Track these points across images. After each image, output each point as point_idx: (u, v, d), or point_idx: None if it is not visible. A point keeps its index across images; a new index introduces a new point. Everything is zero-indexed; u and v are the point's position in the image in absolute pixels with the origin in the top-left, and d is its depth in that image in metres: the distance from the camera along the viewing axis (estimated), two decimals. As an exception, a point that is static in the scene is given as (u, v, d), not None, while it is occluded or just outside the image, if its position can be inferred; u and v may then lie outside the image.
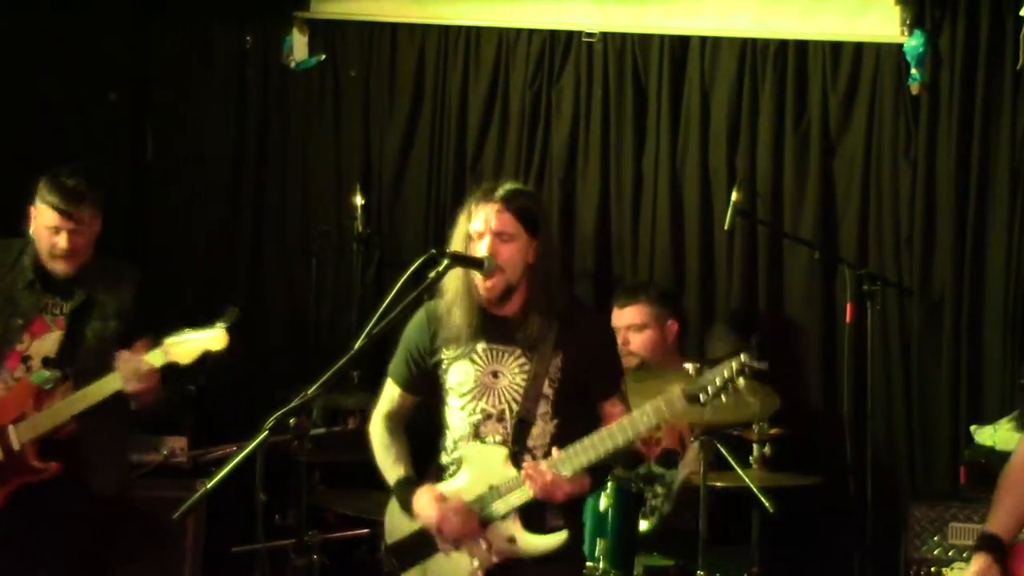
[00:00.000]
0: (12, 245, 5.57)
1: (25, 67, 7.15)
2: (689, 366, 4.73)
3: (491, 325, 4.69)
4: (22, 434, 5.31)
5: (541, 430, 4.63)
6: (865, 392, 6.32)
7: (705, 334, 6.80)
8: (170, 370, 5.31)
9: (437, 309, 4.77)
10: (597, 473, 4.63)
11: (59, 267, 5.45)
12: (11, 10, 6.97)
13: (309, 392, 4.09)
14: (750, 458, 5.70)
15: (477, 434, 4.68)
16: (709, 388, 4.34)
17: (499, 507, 4.59)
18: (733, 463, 5.47)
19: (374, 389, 5.10)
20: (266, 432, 3.95)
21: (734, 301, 6.76)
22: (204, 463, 6.22)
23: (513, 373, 4.65)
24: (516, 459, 4.60)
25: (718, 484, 5.58)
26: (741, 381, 4.34)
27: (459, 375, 4.73)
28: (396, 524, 4.84)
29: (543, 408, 4.63)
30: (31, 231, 5.48)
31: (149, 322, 5.52)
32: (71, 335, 5.49)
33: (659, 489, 5.85)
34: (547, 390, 4.63)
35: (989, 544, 4.29)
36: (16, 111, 7.07)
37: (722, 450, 5.51)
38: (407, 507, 4.73)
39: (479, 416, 4.67)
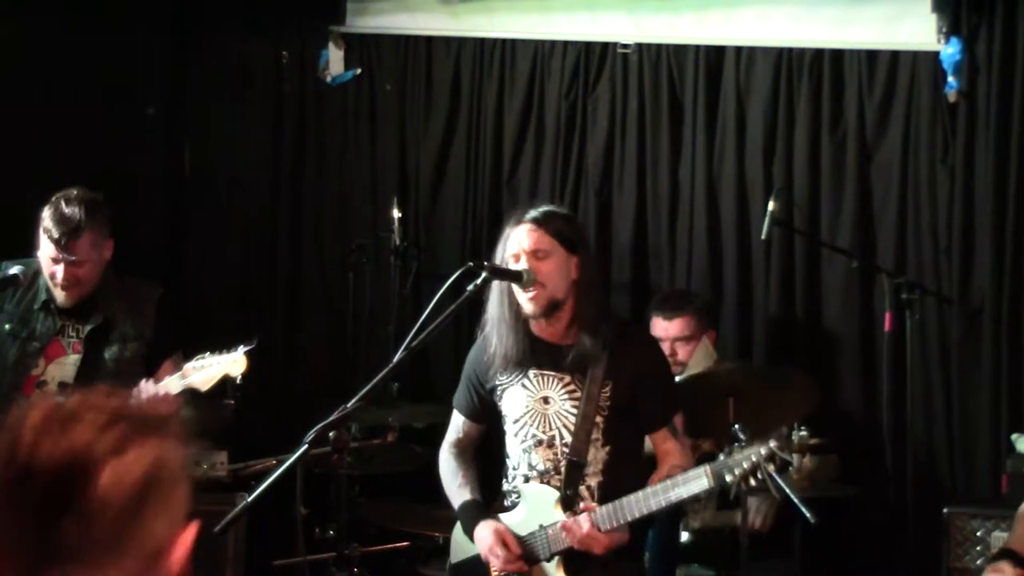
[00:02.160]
0: (31, 264, 5.42)
1: (64, 81, 7.19)
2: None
3: (541, 351, 4.70)
4: None
5: (593, 457, 4.63)
6: (905, 402, 6.28)
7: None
8: (193, 395, 5.17)
9: (488, 333, 4.78)
10: (638, 526, 4.62)
11: (60, 296, 5.34)
12: (50, 24, 7.01)
13: (349, 405, 4.10)
14: (791, 468, 5.67)
15: (529, 460, 4.70)
16: (737, 471, 4.32)
17: (545, 549, 4.62)
18: (773, 474, 5.44)
19: (413, 402, 5.12)
20: (306, 445, 3.96)
21: (772, 311, 6.74)
22: (244, 477, 6.22)
23: (563, 399, 4.66)
24: (567, 502, 4.60)
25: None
26: (771, 467, 4.32)
27: (512, 401, 4.75)
28: (460, 546, 4.89)
29: (594, 435, 4.63)
30: (38, 255, 5.37)
31: (175, 341, 5.48)
32: (88, 359, 5.42)
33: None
34: (597, 417, 4.63)
35: (1009, 555, 4.28)
36: (55, 125, 7.10)
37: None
38: (469, 532, 4.76)
39: (531, 442, 4.69)
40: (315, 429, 4.00)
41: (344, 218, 7.55)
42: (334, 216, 7.57)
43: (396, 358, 4.20)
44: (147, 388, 5.16)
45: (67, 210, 5.21)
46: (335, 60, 7.54)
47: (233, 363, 5.09)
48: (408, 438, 6.38)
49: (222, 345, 5.16)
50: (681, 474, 4.43)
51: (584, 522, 4.48)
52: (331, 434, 4.03)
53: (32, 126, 7.02)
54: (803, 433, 5.62)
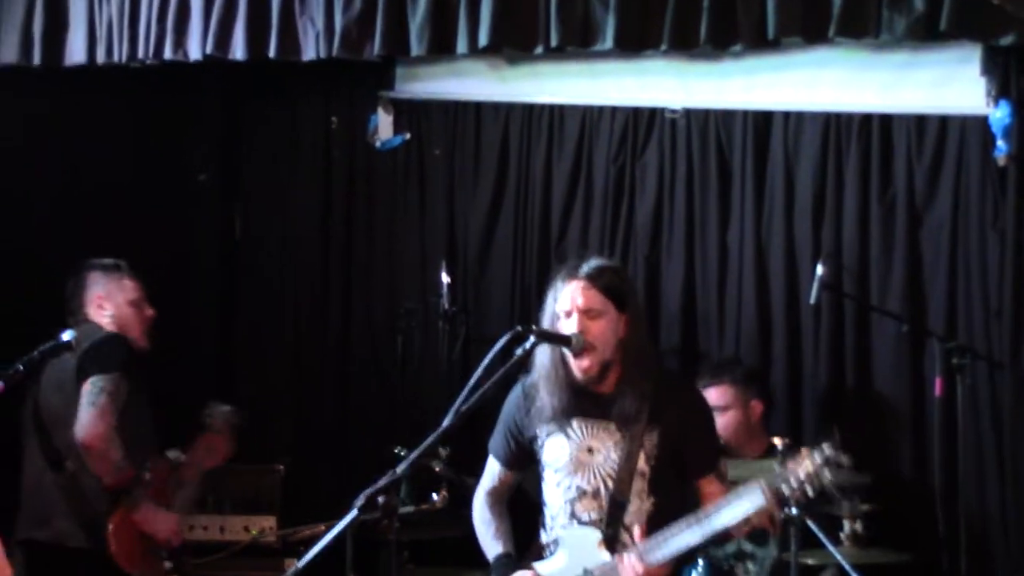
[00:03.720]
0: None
1: (118, 148, 7.28)
2: (778, 440, 4.69)
3: (586, 400, 4.69)
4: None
5: (637, 508, 4.60)
6: (956, 467, 6.24)
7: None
8: None
9: (533, 384, 4.78)
10: (685, 554, 4.59)
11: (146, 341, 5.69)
12: (105, 92, 7.09)
13: (398, 470, 4.11)
14: (841, 535, 5.64)
15: (573, 511, 4.67)
16: (792, 480, 4.27)
17: None
18: (824, 540, 5.41)
19: (463, 467, 5.11)
20: (356, 511, 3.96)
21: (821, 376, 6.70)
22: (293, 542, 6.24)
23: (608, 449, 4.64)
24: (610, 542, 4.57)
25: (810, 561, 5.53)
26: (827, 474, 4.26)
27: (555, 450, 4.73)
28: None
29: (638, 485, 4.61)
30: (115, 313, 5.58)
31: None
32: None
33: (751, 567, 5.80)
34: (643, 467, 4.61)
35: None
36: (109, 193, 7.18)
37: (813, 527, 5.46)
38: None
39: (574, 493, 4.67)
40: (364, 494, 4.00)
41: (393, 282, 7.57)
42: (383, 280, 7.59)
43: (445, 423, 4.21)
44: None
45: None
46: (384, 125, 7.59)
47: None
48: (457, 503, 6.37)
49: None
50: (732, 492, 4.38)
51: (636, 559, 4.44)
52: (380, 499, 4.03)
53: (86, 194, 7.11)
54: (854, 500, 5.59)
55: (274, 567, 6.23)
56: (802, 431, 6.54)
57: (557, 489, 4.73)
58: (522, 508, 5.07)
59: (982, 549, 6.32)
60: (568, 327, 4.61)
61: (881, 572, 5.54)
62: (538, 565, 4.71)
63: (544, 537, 4.79)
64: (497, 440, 4.97)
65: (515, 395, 4.89)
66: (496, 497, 4.99)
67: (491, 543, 4.88)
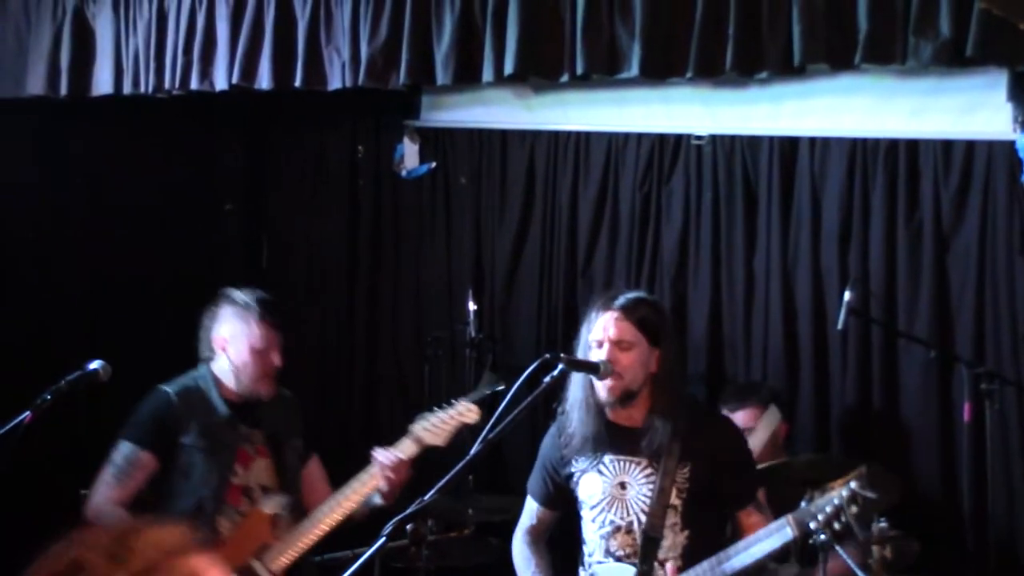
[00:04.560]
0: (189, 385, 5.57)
1: (146, 178, 7.32)
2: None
3: (617, 436, 4.70)
4: (272, 564, 5.27)
5: (671, 542, 4.61)
6: (985, 492, 6.21)
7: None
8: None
9: (567, 417, 4.79)
10: None
11: (265, 389, 5.55)
12: (133, 122, 7.13)
13: (426, 498, 4.11)
14: (869, 561, 5.62)
15: (608, 547, 4.68)
16: (820, 516, 4.28)
17: None
18: (853, 566, 5.39)
19: (491, 494, 5.11)
20: (384, 538, 3.97)
21: (848, 401, 6.69)
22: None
23: (640, 484, 4.65)
24: None
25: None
26: (854, 510, 4.27)
27: (589, 487, 4.75)
28: None
29: (671, 519, 4.61)
30: (232, 354, 5.52)
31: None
32: (279, 460, 5.60)
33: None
34: (675, 500, 4.61)
35: None
36: (135, 221, 7.21)
37: (841, 553, 5.43)
38: None
39: (608, 528, 4.68)
40: (392, 521, 4.01)
41: (420, 310, 7.59)
42: (410, 308, 7.62)
43: (473, 451, 4.21)
44: (381, 454, 5.27)
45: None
46: (410, 154, 7.62)
47: (467, 412, 5.17)
48: (485, 531, 6.36)
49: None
50: (763, 529, 4.40)
51: None
52: (408, 527, 4.04)
53: (113, 223, 7.14)
54: (883, 524, 5.56)
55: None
56: (830, 458, 6.52)
57: (592, 525, 4.75)
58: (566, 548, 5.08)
59: (1011, 573, 6.29)
60: (598, 356, 4.62)
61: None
62: None
63: (582, 573, 4.80)
64: (535, 480, 5.00)
65: (551, 435, 4.92)
66: (535, 536, 5.01)
67: None
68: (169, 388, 5.52)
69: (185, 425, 5.45)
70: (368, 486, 5.27)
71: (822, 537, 4.83)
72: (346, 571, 3.99)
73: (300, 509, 5.46)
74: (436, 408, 5.28)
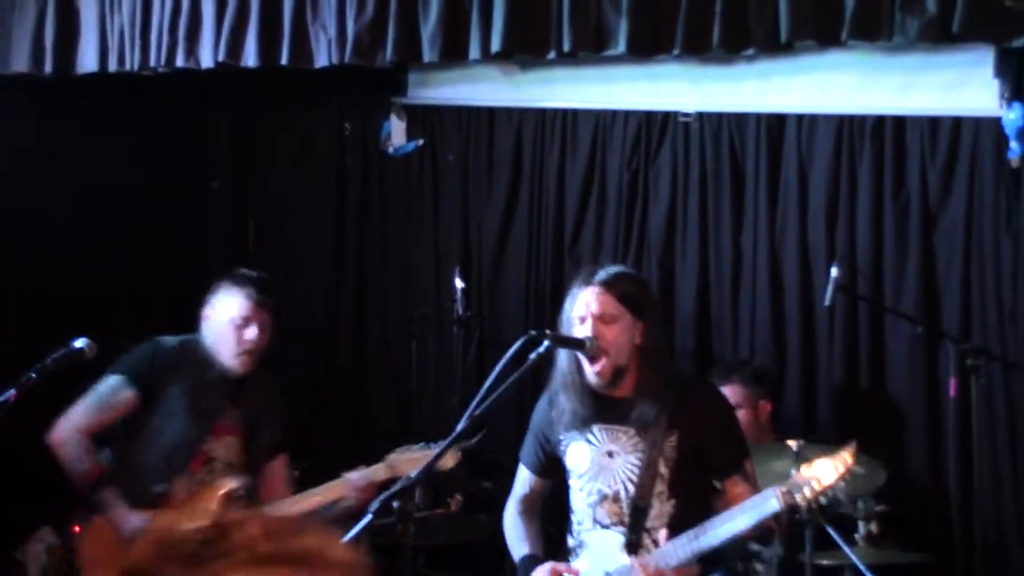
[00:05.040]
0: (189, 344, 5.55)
1: (131, 156, 7.30)
2: (792, 443, 4.69)
3: (605, 406, 4.70)
4: None
5: (658, 511, 4.61)
6: (971, 468, 6.23)
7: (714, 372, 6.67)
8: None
9: (555, 391, 4.79)
10: (708, 558, 4.59)
11: (241, 365, 5.49)
12: (117, 99, 7.11)
13: (413, 475, 4.11)
14: (856, 536, 5.64)
15: (595, 516, 4.68)
16: (807, 489, 4.29)
17: None
18: (839, 541, 5.41)
19: (477, 471, 5.12)
20: (371, 515, 3.97)
21: (836, 378, 6.70)
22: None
23: (627, 453, 4.65)
24: (631, 546, 4.58)
25: (825, 562, 5.52)
26: (842, 484, 4.28)
27: (577, 456, 4.75)
28: None
29: (659, 488, 4.62)
30: (211, 326, 5.50)
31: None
32: (250, 443, 5.57)
33: (758, 567, 5.79)
34: (662, 469, 4.62)
35: None
36: (121, 199, 7.20)
37: (828, 529, 5.46)
38: None
39: (595, 497, 4.69)
40: (379, 499, 4.01)
41: (407, 288, 7.58)
42: (397, 286, 7.61)
43: (459, 427, 4.22)
44: (351, 477, 5.33)
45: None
46: (397, 131, 7.60)
47: (448, 457, 5.05)
48: (472, 507, 6.37)
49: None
50: (748, 500, 4.41)
51: (652, 562, 4.45)
52: (395, 504, 4.03)
53: (98, 202, 7.12)
54: (869, 501, 5.58)
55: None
56: (816, 433, 6.53)
57: (580, 494, 4.76)
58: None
59: (997, 549, 6.31)
60: (582, 332, 4.62)
61: (896, 573, 5.54)
62: (562, 566, 4.72)
63: (570, 541, 4.81)
64: (527, 449, 5.00)
65: (542, 404, 4.92)
66: (527, 504, 5.02)
67: (518, 545, 4.92)
68: (171, 339, 5.55)
69: (178, 376, 5.46)
70: (332, 493, 5.29)
71: (807, 515, 4.86)
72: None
73: (255, 499, 5.44)
74: (421, 444, 5.35)
